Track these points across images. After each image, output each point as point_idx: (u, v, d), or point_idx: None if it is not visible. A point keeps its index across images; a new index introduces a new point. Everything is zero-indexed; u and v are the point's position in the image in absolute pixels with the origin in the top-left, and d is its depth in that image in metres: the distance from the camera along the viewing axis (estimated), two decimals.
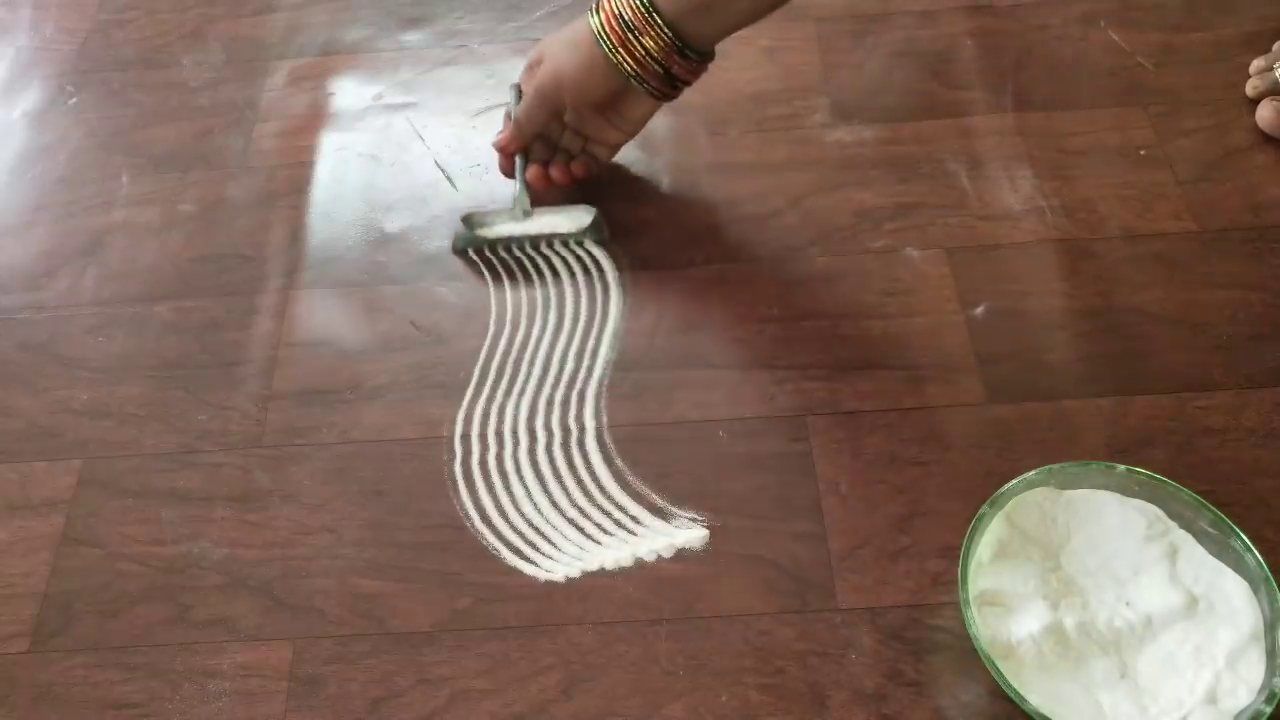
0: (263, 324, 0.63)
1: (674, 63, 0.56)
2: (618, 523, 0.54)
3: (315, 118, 0.74)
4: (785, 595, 0.51)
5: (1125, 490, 0.48)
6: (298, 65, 0.78)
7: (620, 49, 0.55)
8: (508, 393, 0.59)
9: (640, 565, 0.52)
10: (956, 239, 0.63)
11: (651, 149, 0.69)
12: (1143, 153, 0.66)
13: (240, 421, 0.59)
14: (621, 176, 0.68)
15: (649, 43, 0.55)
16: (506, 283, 0.64)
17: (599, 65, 0.57)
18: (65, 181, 0.72)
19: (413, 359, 0.61)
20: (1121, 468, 0.48)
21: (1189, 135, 0.66)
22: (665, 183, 0.68)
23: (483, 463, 0.57)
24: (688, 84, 0.59)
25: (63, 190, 0.72)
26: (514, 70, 0.75)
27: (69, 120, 0.76)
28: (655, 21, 0.54)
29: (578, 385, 0.59)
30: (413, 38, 0.79)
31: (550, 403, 0.58)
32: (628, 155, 0.69)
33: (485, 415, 0.58)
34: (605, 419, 0.58)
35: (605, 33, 0.55)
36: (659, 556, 0.52)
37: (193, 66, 0.78)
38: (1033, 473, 0.48)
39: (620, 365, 0.60)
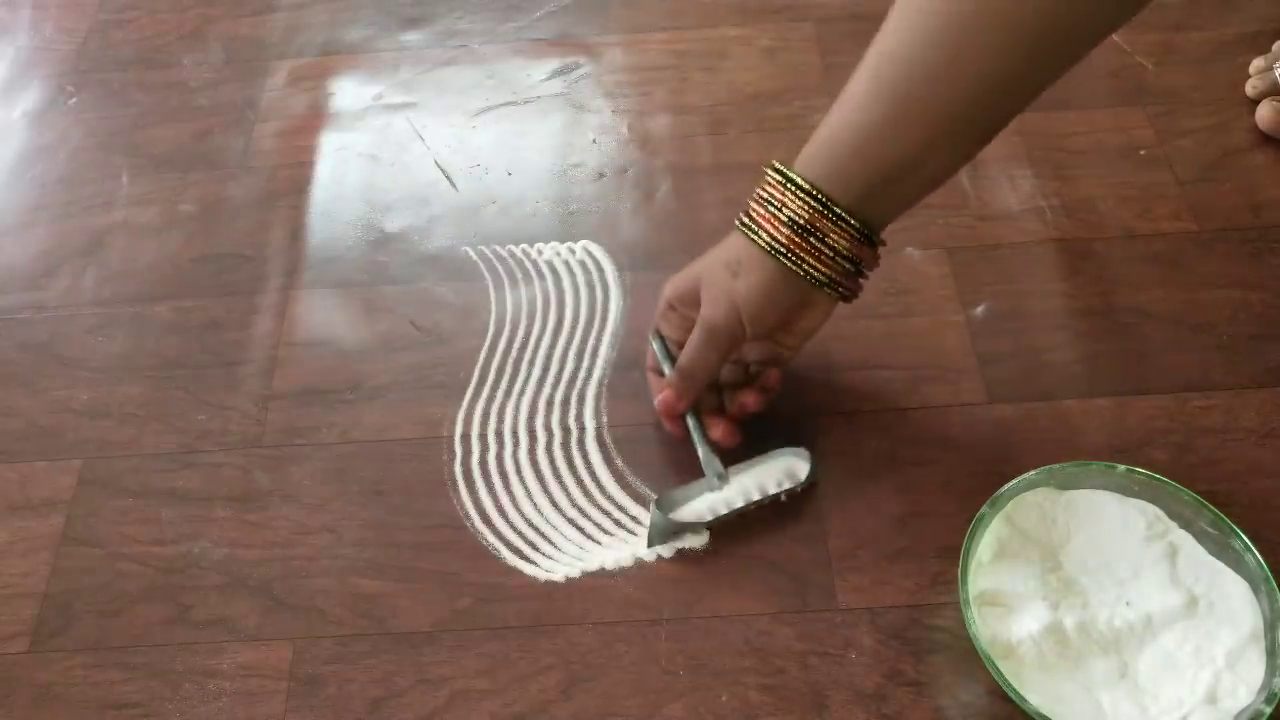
0: (263, 324, 0.63)
1: (864, 255, 0.48)
2: (618, 523, 0.54)
3: (315, 118, 0.74)
4: (785, 595, 0.51)
5: (1125, 490, 0.48)
6: (298, 65, 0.78)
7: (804, 257, 0.47)
8: (508, 393, 0.59)
9: (640, 565, 0.52)
10: (956, 239, 0.63)
11: (651, 149, 0.69)
12: (1143, 153, 0.66)
13: (240, 421, 0.59)
14: (621, 176, 0.68)
15: (836, 240, 0.46)
16: (506, 283, 0.64)
17: (777, 283, 0.48)
18: (65, 181, 0.72)
19: (413, 359, 0.61)
20: (1121, 468, 0.48)
21: (1189, 135, 0.66)
22: (665, 183, 0.68)
23: (483, 463, 0.57)
24: (866, 277, 0.50)
25: (63, 190, 0.72)
26: (514, 70, 0.75)
27: (69, 120, 0.76)
28: (837, 214, 0.46)
29: (578, 385, 0.59)
30: (413, 38, 0.79)
31: (550, 403, 0.58)
32: (629, 155, 0.69)
33: (485, 415, 0.58)
34: (605, 419, 0.58)
35: (778, 244, 0.47)
36: (659, 556, 0.52)
37: (193, 66, 0.78)
38: (1033, 473, 0.48)
39: (620, 365, 0.60)
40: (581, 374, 0.60)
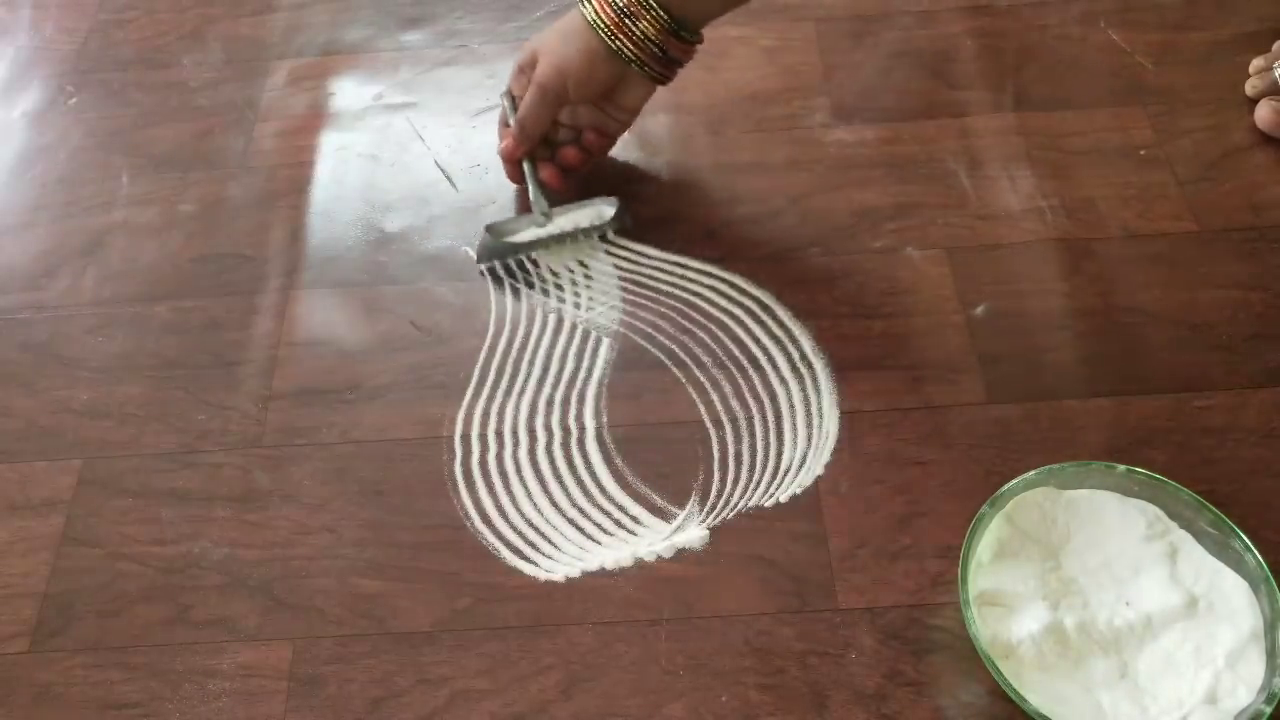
0: (263, 324, 0.63)
1: (670, 44, 0.57)
2: (618, 523, 0.54)
3: (315, 118, 0.74)
4: (785, 595, 0.51)
5: (1125, 490, 0.48)
6: (298, 65, 0.78)
7: (618, 35, 0.56)
8: (508, 393, 0.59)
9: (640, 565, 0.52)
10: (956, 239, 0.63)
11: (651, 149, 0.69)
12: (1143, 153, 0.66)
13: (240, 421, 0.59)
14: (622, 177, 0.68)
15: (646, 26, 0.56)
16: (506, 283, 0.64)
17: (598, 54, 0.58)
18: (65, 181, 0.72)
19: (413, 359, 0.61)
20: (1121, 468, 0.48)
21: (1189, 135, 0.66)
22: (665, 183, 0.68)
23: (483, 463, 0.57)
24: (681, 65, 0.60)
25: (63, 190, 0.72)
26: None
27: (69, 120, 0.76)
28: (650, 5, 0.56)
29: (578, 385, 0.59)
30: (413, 38, 0.79)
31: (550, 403, 0.58)
32: (629, 155, 0.69)
33: (485, 415, 0.58)
34: (605, 419, 0.58)
35: (601, 21, 0.56)
36: (659, 556, 0.52)
37: (193, 66, 0.78)
38: (1033, 473, 0.48)
39: (620, 365, 0.60)
40: (581, 374, 0.60)
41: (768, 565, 0.52)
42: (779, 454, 0.55)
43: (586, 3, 0.57)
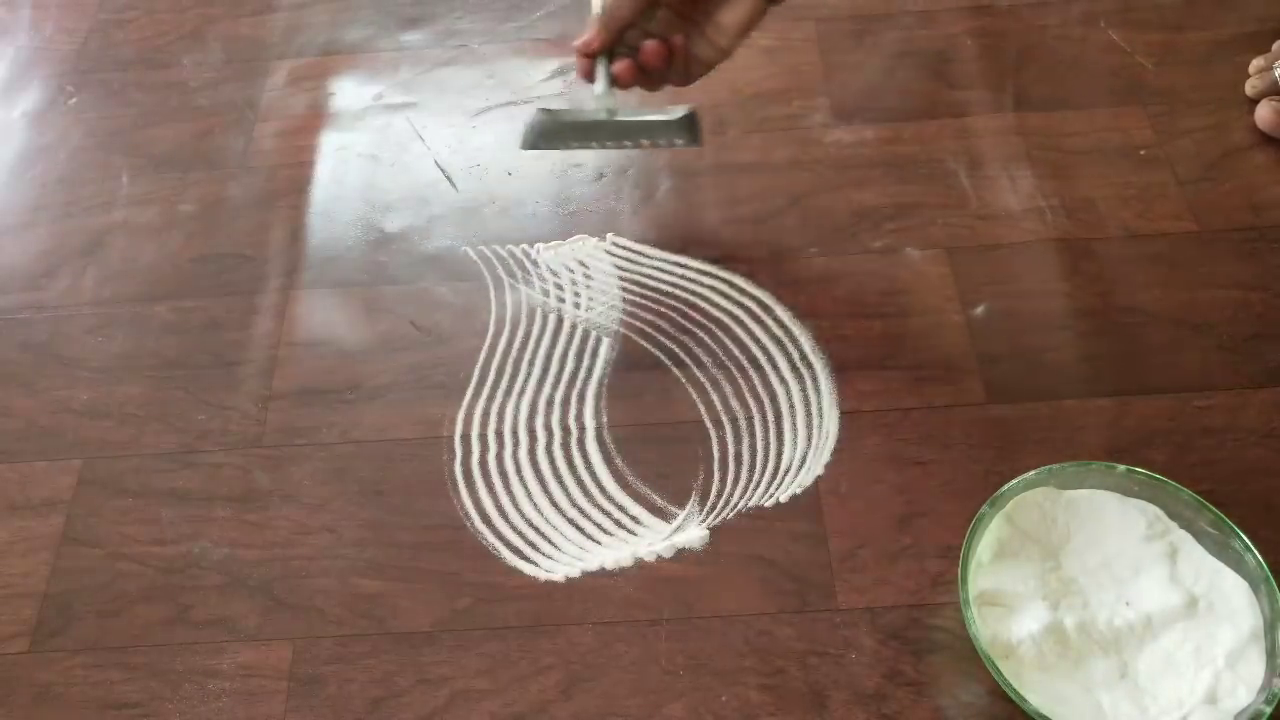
0: (263, 324, 0.63)
1: None
2: (618, 523, 0.54)
3: (315, 118, 0.74)
4: (785, 595, 0.51)
5: (1125, 490, 0.48)
6: (298, 65, 0.78)
7: None
8: (508, 393, 0.59)
9: (640, 565, 0.52)
10: (956, 239, 0.63)
11: (651, 149, 0.69)
12: (1143, 153, 0.66)
13: (240, 421, 0.59)
14: (621, 176, 0.68)
15: None
16: (506, 283, 0.64)
17: None
18: (65, 181, 0.72)
19: (413, 359, 0.61)
20: (1121, 468, 0.48)
21: (1189, 135, 0.66)
22: (665, 183, 0.68)
23: (483, 463, 0.57)
24: None
25: (63, 190, 0.72)
26: (514, 70, 0.75)
27: (69, 120, 0.76)
28: None
29: (578, 385, 0.59)
30: (413, 38, 0.79)
31: (550, 403, 0.58)
32: (629, 155, 0.69)
33: (485, 415, 0.58)
34: (605, 419, 0.58)
35: None
36: (659, 556, 0.52)
37: (193, 66, 0.78)
38: (1032, 473, 0.48)
39: (620, 365, 0.60)
40: (581, 374, 0.60)
41: (768, 565, 0.52)
42: (779, 454, 0.55)
43: None
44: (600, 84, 0.55)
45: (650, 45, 0.54)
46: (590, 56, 0.56)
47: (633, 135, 0.56)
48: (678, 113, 0.55)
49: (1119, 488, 0.48)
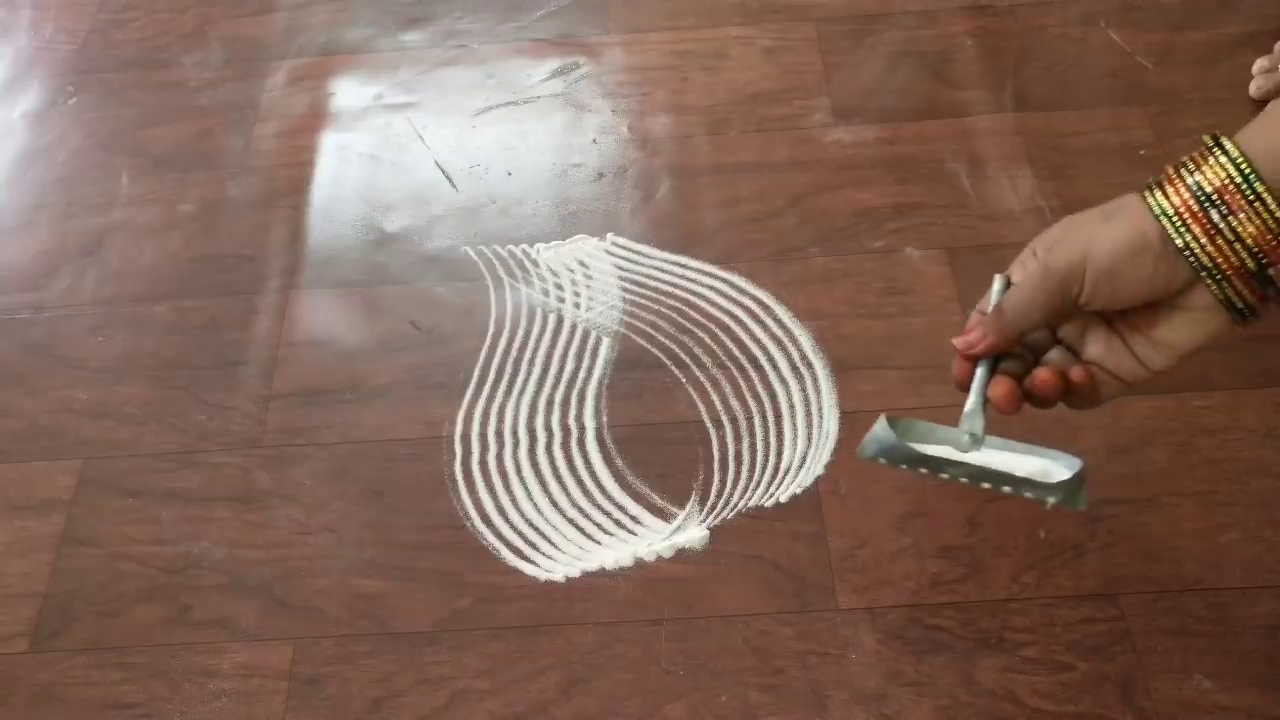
0: (263, 324, 0.63)
1: (1275, 254, 0.37)
2: (618, 523, 0.54)
3: (315, 118, 0.74)
4: (785, 595, 0.51)
5: None
6: (298, 65, 0.78)
7: (1195, 228, 0.38)
8: (508, 393, 0.59)
9: (640, 565, 0.52)
10: (956, 239, 0.63)
11: (651, 149, 0.69)
12: (1142, 153, 0.66)
13: (240, 421, 0.59)
14: (621, 176, 0.68)
15: (1243, 222, 0.37)
16: (506, 283, 0.64)
17: (1149, 245, 0.39)
18: (65, 181, 0.72)
19: (413, 359, 0.61)
20: None
21: (1189, 135, 0.66)
22: (665, 183, 0.68)
23: (483, 463, 0.57)
24: (1271, 296, 0.39)
25: (63, 190, 0.72)
26: (514, 70, 0.75)
27: (69, 120, 0.76)
28: (1255, 191, 0.37)
29: (578, 385, 0.59)
30: (413, 38, 0.79)
31: (550, 403, 0.58)
32: (628, 155, 0.69)
33: (485, 415, 0.58)
34: (605, 419, 0.58)
35: (1167, 203, 0.39)
36: (659, 556, 0.52)
37: (193, 66, 0.78)
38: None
39: (620, 365, 0.60)
40: (581, 374, 0.59)
41: (768, 565, 0.52)
42: (779, 454, 0.55)
43: (1154, 187, 0.39)
44: (973, 399, 0.44)
45: (1045, 374, 0.43)
46: (973, 360, 0.45)
47: (997, 481, 0.45)
48: (1060, 473, 0.43)
49: None
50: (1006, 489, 0.44)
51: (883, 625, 0.49)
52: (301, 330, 0.63)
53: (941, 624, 0.49)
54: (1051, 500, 0.43)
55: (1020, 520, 0.52)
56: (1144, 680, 0.47)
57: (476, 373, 0.60)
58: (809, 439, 0.56)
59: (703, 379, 0.58)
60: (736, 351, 0.59)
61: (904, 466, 0.45)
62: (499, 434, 0.57)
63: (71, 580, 0.54)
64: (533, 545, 0.53)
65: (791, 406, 0.57)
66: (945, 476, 0.45)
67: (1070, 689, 0.47)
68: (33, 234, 0.69)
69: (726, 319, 0.61)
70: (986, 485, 0.44)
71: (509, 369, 0.60)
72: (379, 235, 0.67)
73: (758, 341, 0.60)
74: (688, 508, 0.54)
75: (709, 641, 0.50)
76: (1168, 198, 0.39)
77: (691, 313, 0.61)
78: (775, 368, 0.59)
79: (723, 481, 0.55)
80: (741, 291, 0.62)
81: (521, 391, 0.59)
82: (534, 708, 0.48)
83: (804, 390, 0.58)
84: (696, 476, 0.55)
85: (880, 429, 0.45)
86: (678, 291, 0.62)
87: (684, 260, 0.64)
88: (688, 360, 0.59)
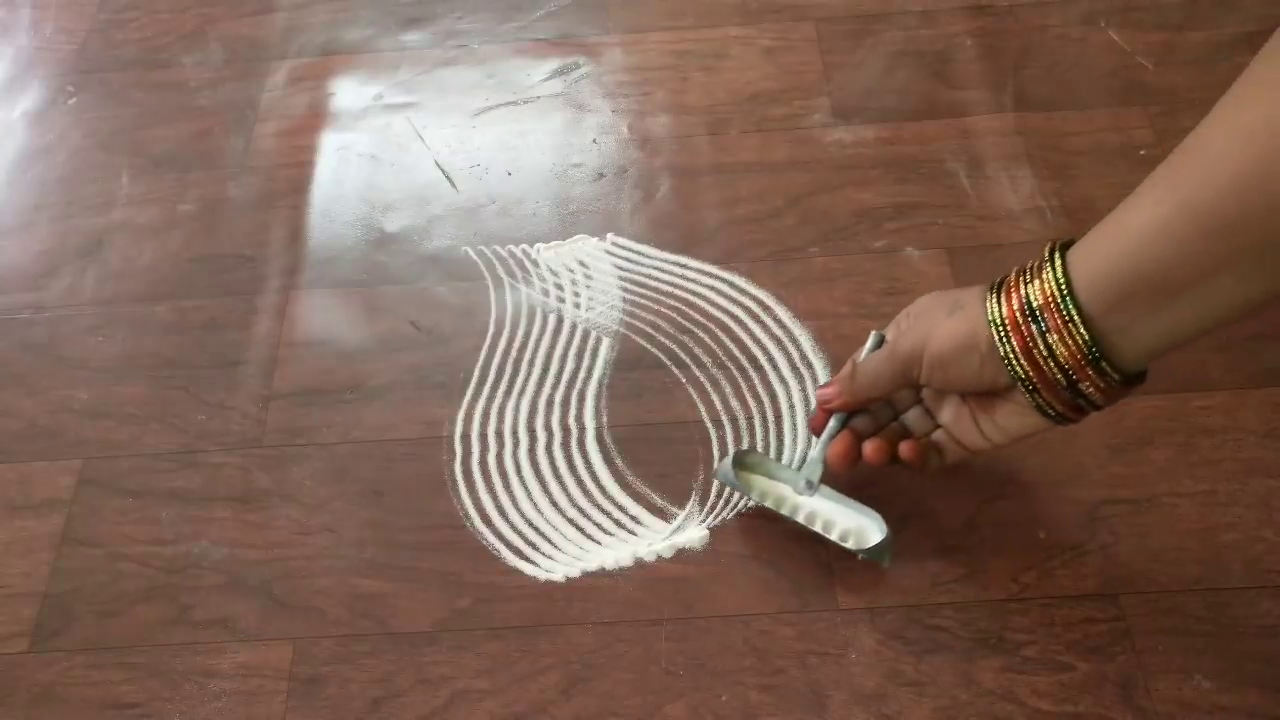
0: (263, 324, 0.63)
1: (1085, 377, 0.40)
2: (618, 523, 0.54)
3: (315, 118, 0.74)
4: (785, 595, 0.51)
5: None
6: (298, 65, 0.78)
7: (1012, 340, 0.41)
8: (508, 393, 0.59)
9: (640, 565, 0.52)
10: (956, 239, 0.63)
11: (651, 149, 0.69)
12: (1143, 153, 0.66)
13: (240, 421, 0.59)
14: (621, 176, 0.68)
15: (1057, 344, 0.39)
16: (506, 283, 0.64)
17: (977, 349, 0.42)
18: (65, 181, 0.72)
19: (413, 359, 0.61)
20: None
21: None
22: (665, 183, 0.68)
23: (483, 463, 0.57)
24: (1097, 408, 0.41)
25: (63, 190, 0.72)
26: (514, 70, 0.75)
27: (69, 120, 0.76)
28: (1070, 315, 0.39)
29: (578, 385, 0.59)
30: (413, 38, 0.79)
31: (550, 403, 0.58)
32: (628, 155, 0.69)
33: (485, 415, 0.58)
34: (605, 419, 0.58)
35: (999, 316, 0.41)
36: (659, 556, 0.52)
37: (193, 66, 0.78)
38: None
39: (620, 365, 0.60)
40: (581, 374, 0.60)
41: (768, 565, 0.52)
42: (779, 454, 0.55)
43: (995, 290, 0.42)
44: (817, 449, 0.51)
45: (909, 447, 0.48)
46: (827, 413, 0.51)
47: (820, 527, 0.51)
48: (871, 537, 0.50)
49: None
50: (829, 536, 0.50)
51: (882, 625, 0.49)
52: (301, 330, 0.63)
53: (941, 624, 0.49)
54: (861, 555, 0.49)
55: (1020, 520, 0.52)
56: (1144, 680, 0.47)
57: (476, 373, 0.60)
58: (809, 439, 0.56)
59: (703, 379, 0.58)
60: (736, 351, 0.59)
61: (748, 499, 0.52)
62: (499, 434, 0.57)
63: (71, 580, 0.54)
64: (533, 545, 0.53)
65: (791, 406, 0.57)
66: (783, 513, 0.51)
67: (1070, 689, 0.47)
68: (33, 234, 0.69)
69: (726, 319, 0.61)
70: (813, 529, 0.51)
71: (509, 369, 0.60)
72: (379, 235, 0.67)
73: (758, 341, 0.60)
74: (688, 508, 0.54)
75: (709, 641, 0.50)
76: (1000, 306, 0.41)
77: (691, 313, 0.61)
78: (775, 368, 0.59)
79: (723, 481, 0.55)
80: (741, 291, 0.62)
81: (521, 391, 0.59)
82: (534, 708, 0.48)
83: (804, 390, 0.58)
84: (696, 476, 0.55)
85: (725, 464, 0.52)
86: (678, 291, 0.62)
87: (684, 260, 0.64)
88: (688, 360, 0.59)
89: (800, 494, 0.52)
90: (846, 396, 0.49)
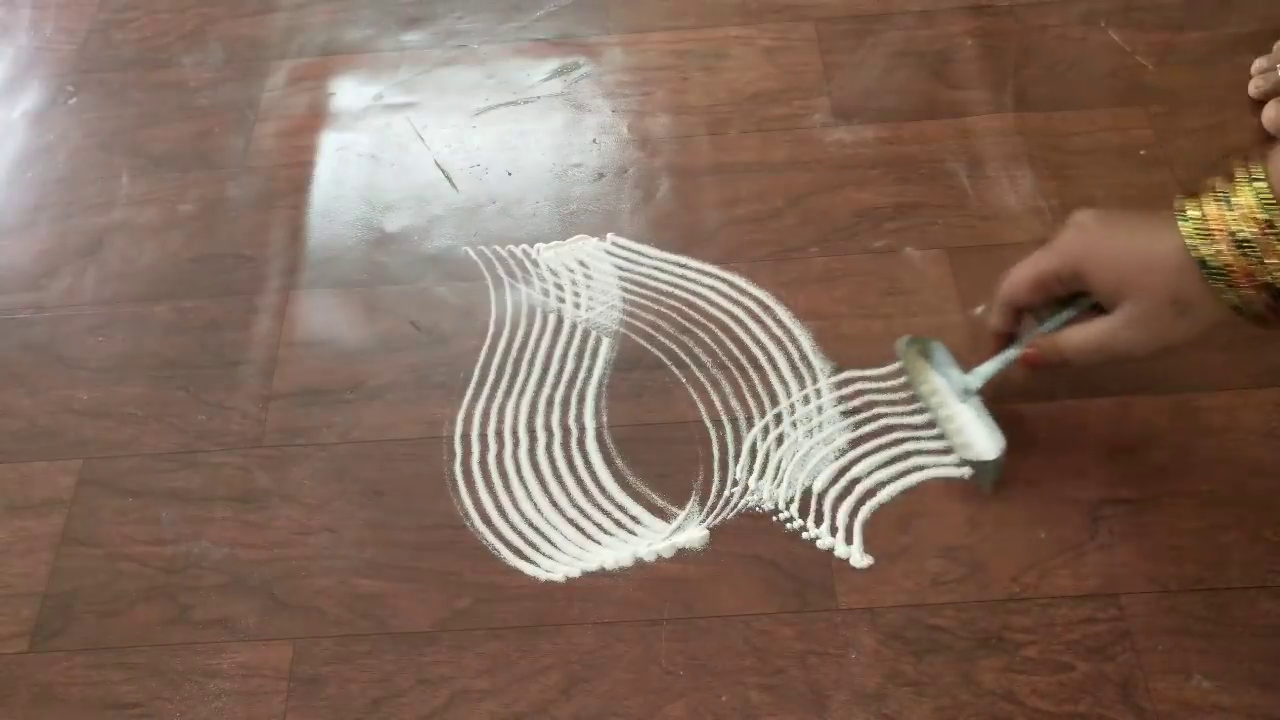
0: (263, 324, 0.63)
1: None
2: (618, 523, 0.54)
3: (315, 118, 0.74)
4: (785, 595, 0.51)
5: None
6: (298, 65, 0.78)
7: (1214, 242, 0.41)
8: (508, 393, 0.59)
9: (640, 565, 0.52)
10: (956, 239, 0.63)
11: (651, 149, 0.69)
12: (1143, 153, 0.66)
13: (240, 421, 0.59)
14: (621, 176, 0.68)
15: (1275, 266, 0.40)
16: (506, 283, 0.64)
17: (1171, 265, 0.43)
18: (65, 181, 0.72)
19: (413, 359, 0.61)
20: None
21: (1189, 135, 0.66)
22: (665, 183, 0.68)
23: (483, 463, 0.57)
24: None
25: (63, 190, 0.72)
26: (514, 70, 0.75)
27: (69, 120, 0.76)
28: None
29: (578, 385, 0.59)
30: (413, 38, 0.79)
31: (550, 403, 0.58)
32: (628, 155, 0.69)
33: (485, 415, 0.58)
34: (605, 419, 0.58)
35: (1204, 237, 0.41)
36: (659, 556, 0.52)
37: (193, 66, 0.78)
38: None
39: (620, 365, 0.60)
40: (581, 374, 0.59)
41: (768, 565, 0.52)
42: (779, 454, 0.55)
43: (1191, 208, 0.42)
44: (992, 365, 0.54)
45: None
46: (1008, 338, 0.53)
47: (948, 432, 0.55)
48: (985, 451, 0.52)
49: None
50: (952, 440, 0.54)
51: (883, 625, 0.49)
52: (301, 330, 0.63)
53: (941, 624, 0.49)
54: (970, 471, 0.53)
55: (1020, 520, 0.52)
56: (1144, 680, 0.47)
57: (476, 373, 0.60)
58: (816, 436, 0.56)
59: (703, 379, 0.58)
60: (736, 351, 0.59)
61: (909, 377, 0.57)
62: (499, 434, 0.57)
63: (71, 580, 0.54)
64: (533, 545, 0.53)
65: (791, 407, 0.57)
66: (931, 403, 0.56)
67: (1070, 689, 0.47)
68: (33, 234, 0.69)
69: (726, 319, 0.61)
70: (940, 427, 0.55)
71: (509, 369, 0.60)
72: (379, 235, 0.67)
73: (758, 341, 0.60)
74: (688, 508, 0.54)
75: (709, 641, 0.50)
76: (1205, 230, 0.41)
77: (691, 313, 0.61)
78: (775, 368, 0.59)
79: (723, 481, 0.55)
80: (741, 291, 0.62)
81: (521, 391, 0.59)
82: (534, 708, 0.48)
83: (804, 390, 0.58)
84: (696, 476, 0.55)
85: (903, 341, 0.56)
86: (678, 291, 0.62)
87: (684, 260, 0.64)
88: (688, 360, 0.59)
89: (958, 394, 0.55)
90: (999, 314, 0.52)
